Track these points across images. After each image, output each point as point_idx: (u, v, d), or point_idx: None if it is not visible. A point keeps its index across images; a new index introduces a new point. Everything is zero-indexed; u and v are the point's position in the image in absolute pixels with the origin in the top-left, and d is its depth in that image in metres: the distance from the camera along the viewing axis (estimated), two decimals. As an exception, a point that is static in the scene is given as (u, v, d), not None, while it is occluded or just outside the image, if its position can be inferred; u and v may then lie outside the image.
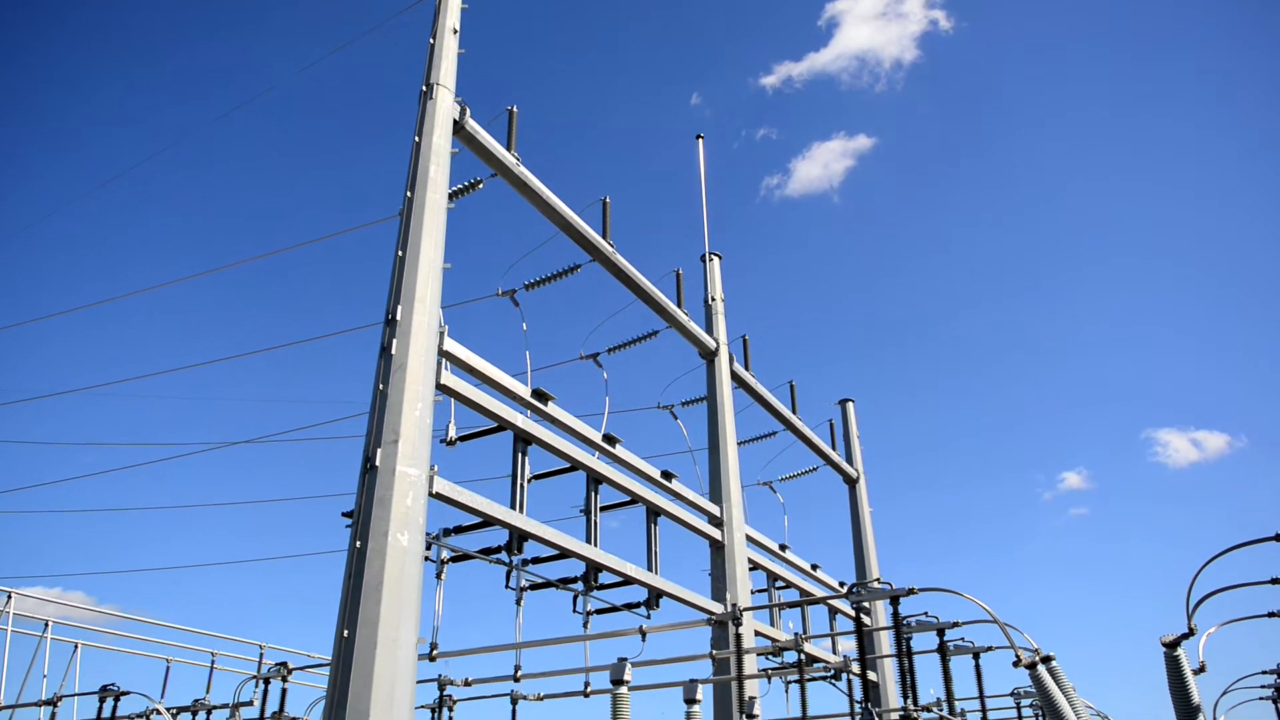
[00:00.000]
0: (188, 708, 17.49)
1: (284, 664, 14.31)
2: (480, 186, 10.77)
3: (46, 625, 19.39)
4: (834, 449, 20.80)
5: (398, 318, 8.60)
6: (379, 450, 8.04)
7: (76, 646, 20.23)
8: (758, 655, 13.46)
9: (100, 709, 16.53)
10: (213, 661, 21.33)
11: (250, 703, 14.57)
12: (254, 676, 14.73)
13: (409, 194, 9.39)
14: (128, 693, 16.27)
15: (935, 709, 11.40)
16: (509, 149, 10.99)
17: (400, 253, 9.04)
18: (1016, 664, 8.89)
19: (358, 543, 7.78)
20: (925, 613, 11.68)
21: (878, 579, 19.62)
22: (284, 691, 14.12)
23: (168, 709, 16.79)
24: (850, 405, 22.98)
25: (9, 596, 18.89)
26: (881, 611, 18.31)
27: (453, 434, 9.66)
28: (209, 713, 17.47)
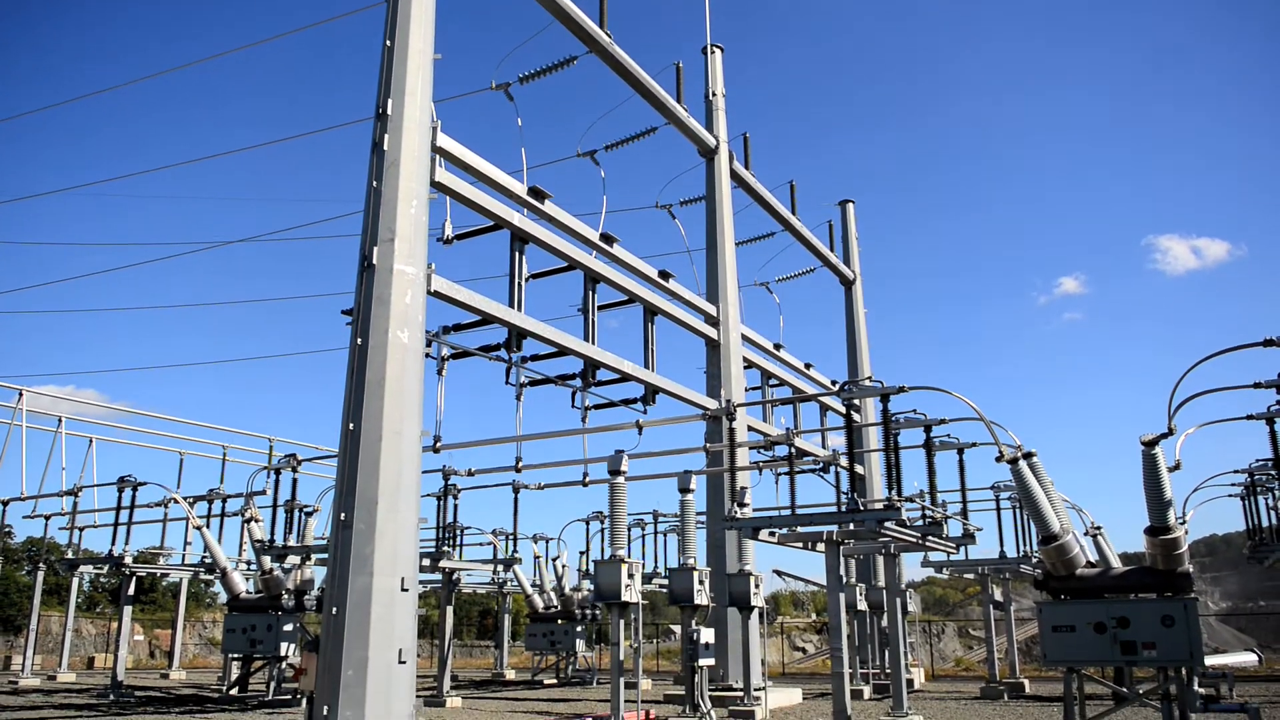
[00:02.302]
0: (203, 497, 18.29)
1: (293, 455, 14.83)
2: (470, -30, 10.15)
3: (60, 421, 19.96)
4: (832, 251, 20.74)
5: (388, 112, 8.34)
6: (375, 249, 8.00)
7: (91, 441, 20.95)
8: (750, 449, 13.96)
9: (119, 498, 17.23)
10: (224, 454, 22.18)
11: (263, 492, 15.21)
12: (265, 468, 15.29)
13: (394, -23, 8.87)
14: (145, 483, 16.95)
15: (918, 500, 11.87)
16: (499, -72, 10.29)
17: (389, 42, 8.64)
18: (999, 459, 9.20)
19: (359, 340, 7.88)
20: (914, 410, 11.97)
21: (869, 377, 20.06)
22: (294, 481, 14.71)
23: (184, 498, 17.53)
24: (850, 206, 22.72)
25: (20, 394, 19.35)
26: (871, 408, 18.82)
27: (449, 232, 9.57)
28: (224, 501, 18.28)
